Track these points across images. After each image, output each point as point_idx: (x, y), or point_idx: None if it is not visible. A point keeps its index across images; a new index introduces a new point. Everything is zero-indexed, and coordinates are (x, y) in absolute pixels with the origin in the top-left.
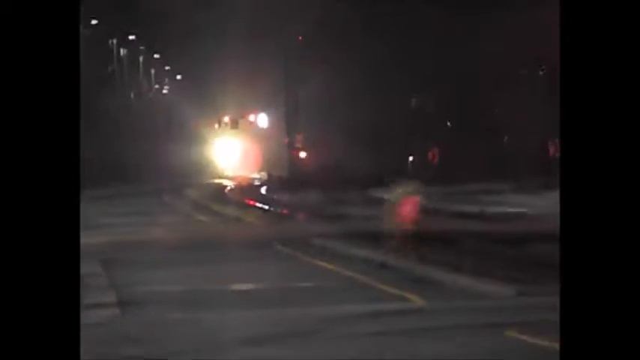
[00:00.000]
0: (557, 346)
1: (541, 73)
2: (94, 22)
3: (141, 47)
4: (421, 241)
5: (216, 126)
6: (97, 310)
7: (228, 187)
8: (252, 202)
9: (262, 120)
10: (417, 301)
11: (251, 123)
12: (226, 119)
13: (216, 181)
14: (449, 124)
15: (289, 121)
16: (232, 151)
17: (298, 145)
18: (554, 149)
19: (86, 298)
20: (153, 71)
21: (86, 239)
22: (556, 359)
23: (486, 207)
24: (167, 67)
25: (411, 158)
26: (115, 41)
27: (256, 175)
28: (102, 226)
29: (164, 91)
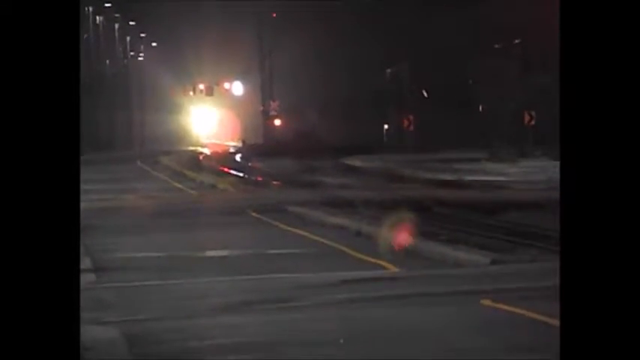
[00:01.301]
0: (532, 314)
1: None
2: None
3: (116, 15)
4: (396, 208)
5: (191, 93)
6: None
7: (203, 155)
8: (226, 170)
9: (237, 88)
10: (391, 268)
11: (226, 90)
12: (201, 87)
13: (192, 148)
14: (424, 93)
15: (264, 89)
16: (207, 119)
17: (273, 112)
18: (528, 118)
19: None
20: (128, 38)
21: None
22: (531, 327)
23: (462, 175)
24: (142, 35)
25: (386, 126)
26: (90, 9)
27: (231, 143)
28: None
29: (139, 59)
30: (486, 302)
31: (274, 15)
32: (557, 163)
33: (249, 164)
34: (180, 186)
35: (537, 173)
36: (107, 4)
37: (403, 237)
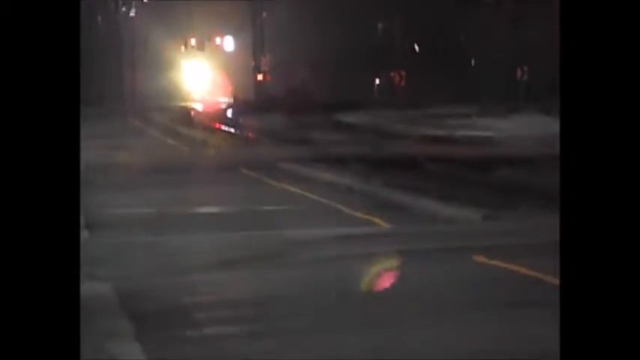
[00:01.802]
0: (525, 270)
1: None
2: None
3: None
4: (388, 165)
5: (183, 48)
6: None
7: (195, 111)
8: (218, 126)
9: (229, 43)
10: (382, 225)
11: (218, 46)
12: (193, 42)
13: (183, 104)
14: (416, 47)
15: (256, 45)
16: (199, 75)
17: (264, 68)
18: (520, 73)
19: None
20: None
21: None
22: (524, 283)
23: (453, 130)
24: None
25: (377, 81)
26: None
27: (223, 99)
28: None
29: (131, 14)
30: (479, 259)
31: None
32: (549, 119)
33: (241, 120)
34: (171, 142)
35: (528, 128)
36: None
37: (394, 192)
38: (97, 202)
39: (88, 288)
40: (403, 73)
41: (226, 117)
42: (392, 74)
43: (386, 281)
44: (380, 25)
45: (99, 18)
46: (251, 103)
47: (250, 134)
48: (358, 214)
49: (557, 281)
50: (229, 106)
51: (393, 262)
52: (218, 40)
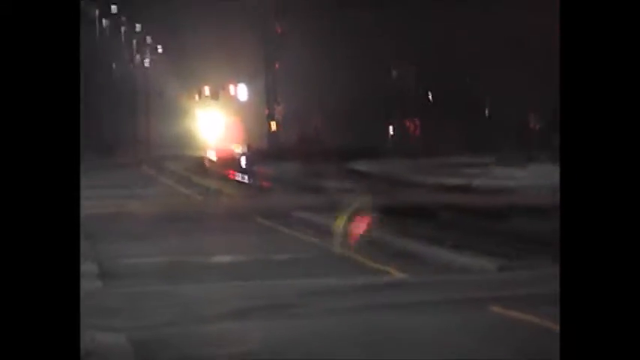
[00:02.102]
0: (543, 321)
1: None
2: None
3: (122, 18)
4: (402, 214)
5: (197, 97)
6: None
7: (209, 159)
8: (232, 175)
9: (242, 91)
10: (398, 274)
11: (231, 94)
12: (207, 90)
13: (197, 153)
14: (430, 96)
15: (269, 93)
16: (213, 123)
17: (278, 116)
18: (535, 122)
19: None
20: (134, 42)
21: None
22: (540, 334)
23: (469, 179)
24: (149, 40)
25: (391, 130)
26: (96, 13)
27: (236, 147)
28: (82, 199)
29: (146, 64)
30: (496, 309)
31: (279, 30)
32: None
33: (254, 169)
34: (185, 191)
35: (545, 177)
36: (113, 8)
37: (409, 241)
38: (111, 252)
39: (102, 338)
40: (417, 121)
41: (240, 165)
42: (406, 122)
43: (401, 332)
44: (394, 74)
45: (113, 67)
46: (264, 152)
47: (264, 183)
48: (372, 264)
49: None
50: (243, 154)
51: (408, 313)
52: (232, 88)
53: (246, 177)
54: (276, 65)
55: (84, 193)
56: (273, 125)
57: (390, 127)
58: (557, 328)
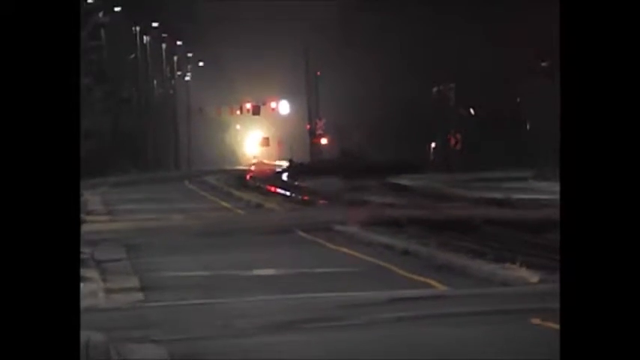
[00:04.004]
0: None
1: None
2: (116, 9)
3: (163, 35)
4: (444, 227)
5: (238, 112)
6: (120, 295)
7: (250, 174)
8: (273, 189)
9: (284, 107)
10: (439, 287)
11: (273, 109)
12: (248, 106)
13: (238, 167)
14: (471, 111)
15: (311, 108)
16: (254, 138)
17: (319, 131)
18: None
19: (110, 282)
20: (175, 58)
21: (110, 225)
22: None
23: (510, 194)
24: (189, 54)
25: (433, 145)
26: (137, 28)
27: (277, 162)
28: (125, 212)
29: (186, 78)
30: (535, 321)
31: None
32: None
33: (296, 183)
34: (227, 205)
35: None
36: (154, 24)
37: (450, 254)
38: (152, 265)
39: (143, 351)
40: (459, 136)
41: (281, 180)
42: (448, 137)
43: (443, 344)
44: (435, 89)
45: (154, 82)
46: (306, 166)
47: (305, 197)
48: (414, 277)
49: None
50: (284, 169)
51: (449, 325)
52: (273, 104)
53: (287, 191)
54: (318, 81)
55: (128, 206)
56: (315, 140)
57: (432, 143)
58: None
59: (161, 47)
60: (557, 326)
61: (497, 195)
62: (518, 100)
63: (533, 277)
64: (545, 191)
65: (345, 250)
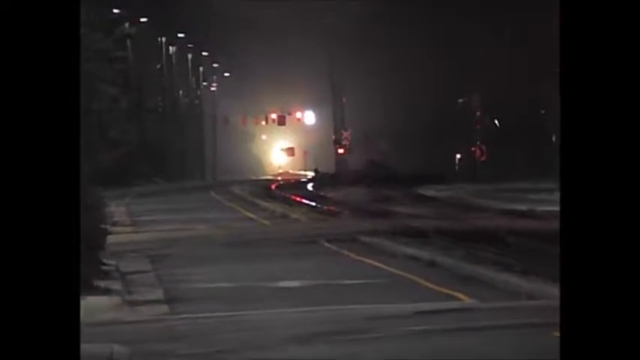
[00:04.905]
0: None
1: None
2: (142, 20)
3: (189, 45)
4: (470, 239)
5: (264, 123)
6: (145, 307)
7: (276, 184)
8: (298, 199)
9: (309, 117)
10: (465, 299)
11: (298, 120)
12: (274, 116)
13: (264, 177)
14: (496, 122)
15: (336, 118)
16: (279, 148)
17: (345, 141)
18: None
19: (135, 294)
20: (201, 69)
21: (134, 236)
22: None
23: (535, 205)
24: (215, 65)
25: (458, 156)
26: (163, 39)
27: (303, 172)
28: (149, 223)
29: (212, 88)
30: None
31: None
32: None
33: (321, 193)
34: (252, 216)
35: None
36: (180, 34)
37: (476, 266)
38: (177, 276)
39: None
40: (484, 147)
41: (307, 190)
42: (473, 149)
43: (468, 356)
44: (460, 100)
45: (180, 93)
46: (332, 176)
47: (331, 207)
48: (440, 288)
49: None
50: (310, 179)
51: (475, 337)
52: (299, 114)
53: (312, 202)
54: (343, 91)
55: (153, 217)
56: (341, 150)
57: (457, 154)
58: None
59: (187, 58)
60: None
61: (523, 206)
62: (542, 111)
63: (559, 291)
64: None
65: (370, 261)
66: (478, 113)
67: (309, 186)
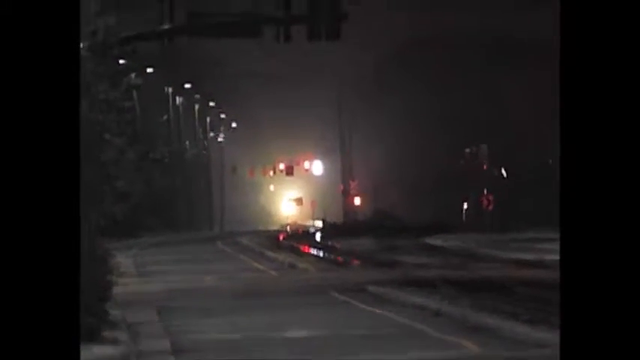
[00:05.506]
0: None
1: None
2: (149, 70)
3: (196, 95)
4: (477, 288)
5: (272, 173)
6: (152, 358)
7: (283, 234)
8: (307, 249)
9: (317, 167)
10: (473, 349)
11: (306, 170)
12: (281, 166)
13: (271, 228)
14: (503, 172)
15: (344, 169)
16: (287, 199)
17: (353, 191)
18: None
19: (142, 345)
20: (208, 119)
21: (141, 287)
22: None
23: (542, 254)
24: (222, 115)
25: (465, 205)
26: (170, 89)
27: (311, 222)
28: (156, 274)
29: (219, 139)
30: None
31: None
32: None
33: (329, 243)
34: (260, 266)
35: None
36: (187, 85)
37: (483, 315)
38: (184, 327)
39: None
40: (491, 197)
41: (315, 240)
42: (480, 198)
43: None
44: (467, 150)
45: (187, 144)
46: (340, 226)
47: (339, 257)
48: (448, 337)
49: None
50: (318, 229)
51: None
52: (307, 164)
53: (320, 252)
54: (351, 142)
55: (160, 268)
56: (349, 200)
57: (464, 203)
58: None
59: (194, 108)
60: None
61: (530, 256)
62: (550, 161)
63: None
64: None
65: (378, 311)
66: (485, 163)
67: (317, 236)
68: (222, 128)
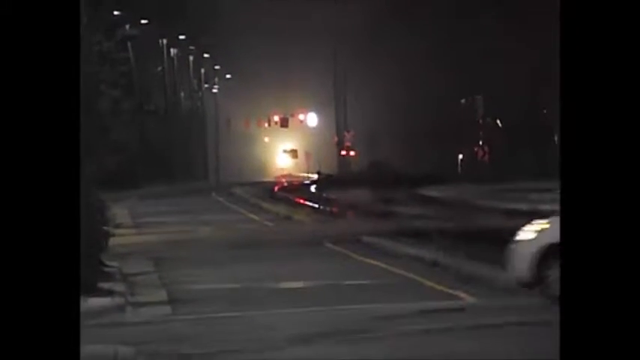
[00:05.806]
0: None
1: None
2: (143, 21)
3: (191, 47)
4: (471, 238)
5: (266, 125)
6: (148, 308)
7: (278, 186)
8: (302, 201)
9: (312, 119)
10: (467, 298)
11: (301, 122)
12: (276, 118)
13: (266, 179)
14: (499, 123)
15: (339, 120)
16: (282, 150)
17: (347, 143)
18: None
19: (138, 296)
20: (203, 70)
21: (137, 238)
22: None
23: (536, 205)
24: (217, 67)
25: (460, 156)
26: (165, 41)
27: (306, 174)
28: (152, 225)
29: (214, 90)
30: None
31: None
32: None
33: (324, 195)
34: (255, 217)
35: None
36: (181, 36)
37: (478, 265)
38: (180, 278)
39: None
40: (486, 148)
41: (310, 192)
42: (475, 149)
43: (470, 356)
44: (463, 101)
45: (182, 95)
46: (334, 178)
47: (334, 209)
48: (442, 288)
49: None
50: (312, 181)
51: (478, 337)
52: (301, 116)
53: (315, 203)
54: (346, 93)
55: (156, 219)
56: (343, 152)
57: (460, 154)
58: None
59: (188, 60)
60: None
61: (525, 206)
62: (544, 111)
63: None
64: None
65: (373, 262)
66: (481, 113)
67: (312, 188)
68: (216, 80)
